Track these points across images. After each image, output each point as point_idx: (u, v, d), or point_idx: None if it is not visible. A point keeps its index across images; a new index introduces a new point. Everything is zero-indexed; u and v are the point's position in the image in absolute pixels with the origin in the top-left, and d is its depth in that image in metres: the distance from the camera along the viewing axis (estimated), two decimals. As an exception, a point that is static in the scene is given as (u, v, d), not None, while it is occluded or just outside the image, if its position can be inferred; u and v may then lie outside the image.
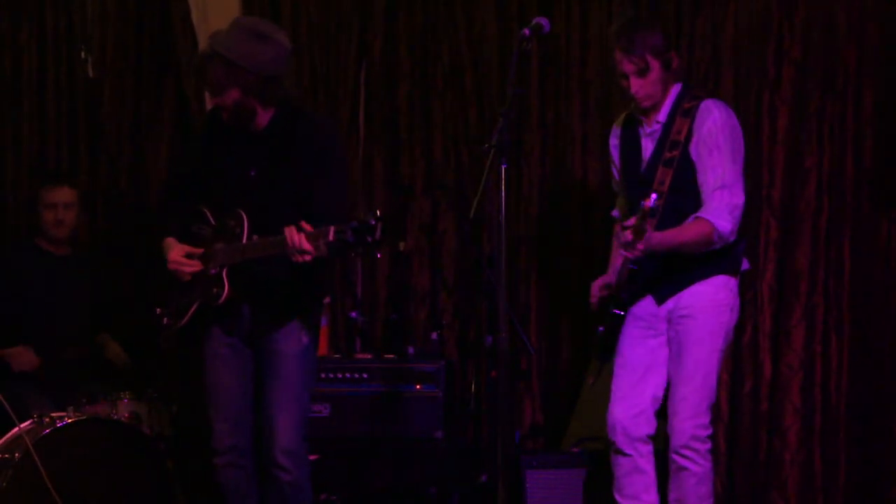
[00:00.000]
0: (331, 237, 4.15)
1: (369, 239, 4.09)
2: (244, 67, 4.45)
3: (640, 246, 4.40)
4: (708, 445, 4.63)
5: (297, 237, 4.20)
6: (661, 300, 4.67)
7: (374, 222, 4.08)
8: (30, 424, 4.83)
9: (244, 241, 4.47)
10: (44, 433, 4.74)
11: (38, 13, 6.34)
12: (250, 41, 4.45)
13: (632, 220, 4.40)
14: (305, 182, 4.52)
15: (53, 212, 5.74)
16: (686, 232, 4.55)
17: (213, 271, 4.55)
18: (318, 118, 4.89)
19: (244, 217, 4.48)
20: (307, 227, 4.21)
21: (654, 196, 4.35)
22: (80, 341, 5.73)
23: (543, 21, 4.33)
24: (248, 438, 4.67)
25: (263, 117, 4.58)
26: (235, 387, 4.65)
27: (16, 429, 4.71)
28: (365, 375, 5.64)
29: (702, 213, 4.54)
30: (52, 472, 4.61)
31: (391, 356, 5.73)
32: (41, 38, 6.35)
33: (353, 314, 5.99)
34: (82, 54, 6.31)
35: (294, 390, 4.58)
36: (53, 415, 4.87)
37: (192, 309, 4.61)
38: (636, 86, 4.61)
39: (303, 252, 4.21)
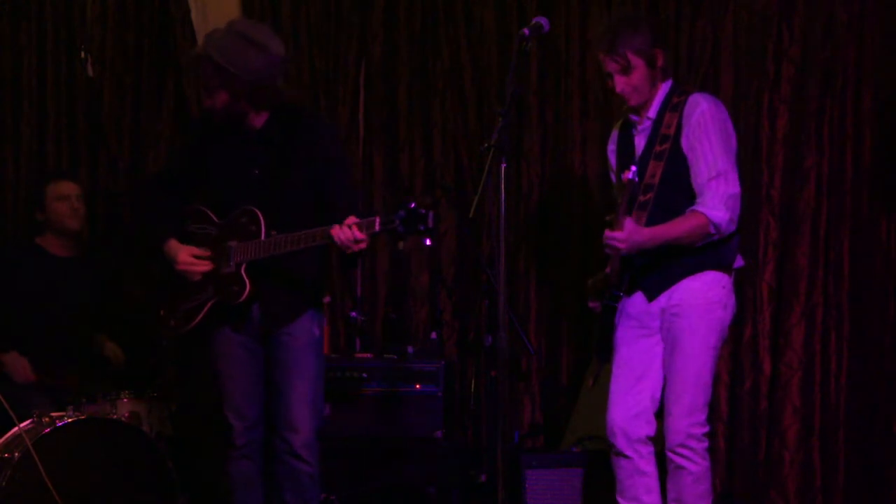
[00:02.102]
0: (377, 228, 4.25)
1: (421, 227, 4.21)
2: (233, 73, 4.45)
3: (617, 235, 4.41)
4: (705, 444, 4.62)
5: (347, 232, 4.26)
6: (651, 296, 4.65)
7: (424, 211, 4.19)
8: (29, 424, 4.83)
9: (262, 237, 4.48)
10: (43, 433, 4.74)
11: (38, 14, 6.34)
12: (242, 46, 4.46)
13: (612, 216, 4.42)
14: (313, 178, 4.54)
15: (67, 202, 5.74)
16: (678, 226, 4.53)
17: (227, 270, 4.55)
18: (317, 116, 4.92)
19: (259, 214, 4.50)
20: (353, 219, 4.28)
21: (633, 168, 4.34)
22: (77, 349, 5.72)
23: (543, 21, 4.34)
24: (261, 434, 4.73)
25: (257, 119, 4.60)
26: (250, 384, 4.70)
27: (15, 428, 4.71)
28: (364, 375, 5.64)
29: (696, 206, 4.54)
30: (52, 472, 4.62)
31: (391, 356, 5.73)
32: (41, 38, 6.36)
33: (353, 314, 5.98)
34: (82, 55, 6.32)
35: (311, 384, 4.64)
36: (53, 414, 4.88)
37: (205, 310, 4.62)
38: (620, 84, 4.62)
39: (358, 241, 4.28)
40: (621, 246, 4.46)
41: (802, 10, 5.70)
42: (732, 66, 5.78)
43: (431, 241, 5.99)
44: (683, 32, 5.83)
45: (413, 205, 4.21)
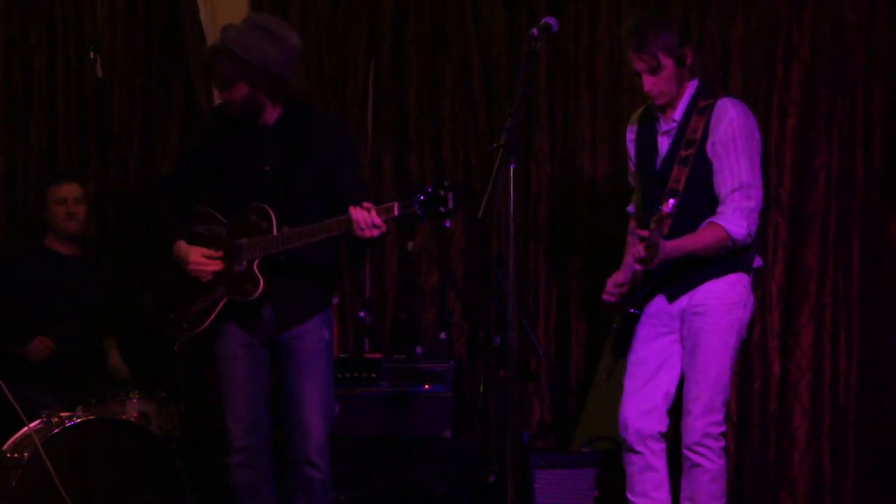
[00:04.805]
0: (396, 212, 4.20)
1: (442, 209, 4.12)
2: (253, 64, 4.47)
3: (655, 260, 4.42)
4: (721, 443, 4.63)
5: (365, 214, 4.22)
6: (672, 298, 4.67)
7: (443, 193, 4.11)
8: (39, 424, 4.84)
9: (274, 233, 4.47)
10: (53, 433, 4.75)
11: (49, 14, 6.35)
12: (261, 38, 4.47)
13: (645, 232, 4.40)
14: (323, 176, 4.53)
15: (64, 206, 5.76)
16: (699, 239, 4.55)
17: (239, 268, 4.53)
18: (327, 114, 4.92)
19: (269, 210, 4.49)
20: (369, 205, 4.24)
21: (671, 202, 4.32)
22: (85, 349, 5.72)
23: (552, 21, 4.33)
24: (264, 439, 4.67)
25: (272, 113, 4.60)
26: (251, 387, 4.64)
27: (25, 428, 4.72)
28: (374, 375, 5.64)
29: (716, 217, 4.55)
30: (61, 472, 4.62)
31: (400, 356, 5.73)
32: (51, 39, 6.37)
33: (362, 314, 5.99)
34: (91, 55, 6.31)
35: (322, 389, 4.59)
36: (63, 414, 4.89)
37: (217, 310, 4.59)
38: (649, 83, 4.61)
39: (375, 227, 4.23)
40: (652, 264, 4.47)
41: (811, 9, 5.69)
42: (741, 67, 5.77)
43: (451, 223, 5.94)
44: (692, 33, 5.82)
45: (430, 188, 4.13)
